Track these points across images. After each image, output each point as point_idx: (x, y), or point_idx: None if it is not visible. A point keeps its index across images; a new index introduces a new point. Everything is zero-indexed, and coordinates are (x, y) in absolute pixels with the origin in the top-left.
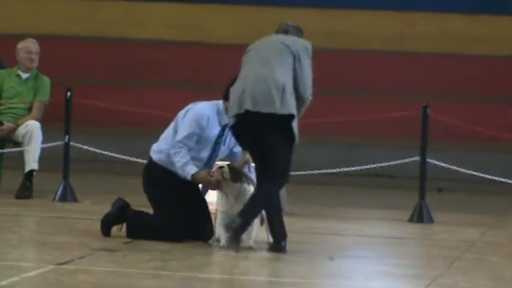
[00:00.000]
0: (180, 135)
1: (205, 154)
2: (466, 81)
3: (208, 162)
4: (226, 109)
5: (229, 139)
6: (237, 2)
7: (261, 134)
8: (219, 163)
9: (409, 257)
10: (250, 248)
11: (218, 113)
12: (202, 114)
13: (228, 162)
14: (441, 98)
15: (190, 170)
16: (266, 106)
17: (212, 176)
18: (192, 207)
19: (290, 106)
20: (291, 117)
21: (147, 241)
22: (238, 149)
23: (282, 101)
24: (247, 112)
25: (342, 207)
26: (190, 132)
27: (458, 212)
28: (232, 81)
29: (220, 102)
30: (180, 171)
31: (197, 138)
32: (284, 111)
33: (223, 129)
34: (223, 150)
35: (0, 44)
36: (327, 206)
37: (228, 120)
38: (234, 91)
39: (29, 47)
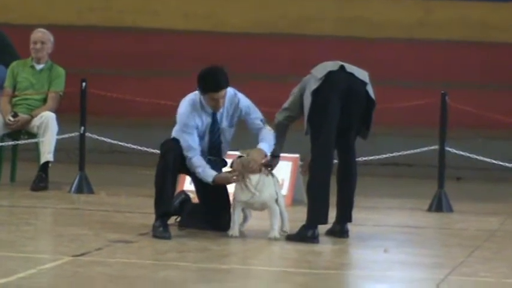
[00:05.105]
0: (183, 144)
1: (204, 143)
2: (485, 69)
3: (212, 149)
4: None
5: (226, 117)
6: None
7: (350, 99)
8: (238, 153)
9: (429, 246)
10: (275, 239)
11: (200, 104)
12: (186, 115)
13: (245, 154)
14: (460, 86)
15: (209, 177)
16: (360, 75)
17: (232, 171)
18: (212, 196)
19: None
20: (373, 103)
21: None
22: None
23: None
24: (341, 70)
25: (360, 197)
26: (186, 138)
27: (477, 201)
28: (202, 75)
29: (198, 92)
30: (202, 178)
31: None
32: (373, 95)
33: (213, 116)
34: (227, 128)
35: (15, 34)
36: None
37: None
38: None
39: (34, 37)
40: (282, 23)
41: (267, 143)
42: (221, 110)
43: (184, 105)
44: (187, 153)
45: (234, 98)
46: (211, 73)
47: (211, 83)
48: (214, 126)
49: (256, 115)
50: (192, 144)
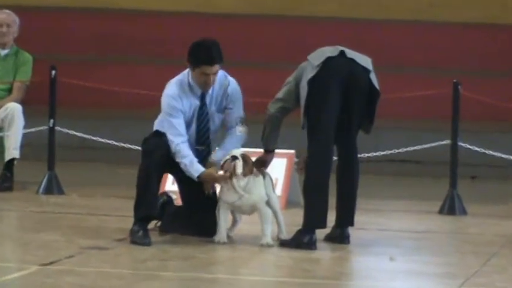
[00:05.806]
0: (168, 131)
1: (191, 131)
2: (504, 55)
3: (200, 138)
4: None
5: (215, 101)
6: None
7: (352, 88)
8: (233, 152)
9: (439, 253)
10: (268, 246)
11: (188, 85)
12: (173, 97)
13: (241, 153)
14: (475, 74)
15: (195, 172)
16: (362, 61)
17: (222, 169)
18: (197, 197)
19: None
20: (377, 93)
21: None
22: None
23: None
24: (341, 56)
25: (362, 198)
26: (173, 123)
27: (494, 202)
28: (194, 46)
29: (186, 72)
30: (186, 172)
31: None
32: (376, 84)
33: (202, 98)
34: (215, 112)
35: None
36: None
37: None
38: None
39: None
40: (276, 3)
41: (224, 150)
42: (210, 91)
43: (171, 86)
44: (174, 138)
45: (224, 80)
46: (206, 45)
47: (205, 55)
48: (203, 111)
49: (237, 109)
50: (179, 129)
